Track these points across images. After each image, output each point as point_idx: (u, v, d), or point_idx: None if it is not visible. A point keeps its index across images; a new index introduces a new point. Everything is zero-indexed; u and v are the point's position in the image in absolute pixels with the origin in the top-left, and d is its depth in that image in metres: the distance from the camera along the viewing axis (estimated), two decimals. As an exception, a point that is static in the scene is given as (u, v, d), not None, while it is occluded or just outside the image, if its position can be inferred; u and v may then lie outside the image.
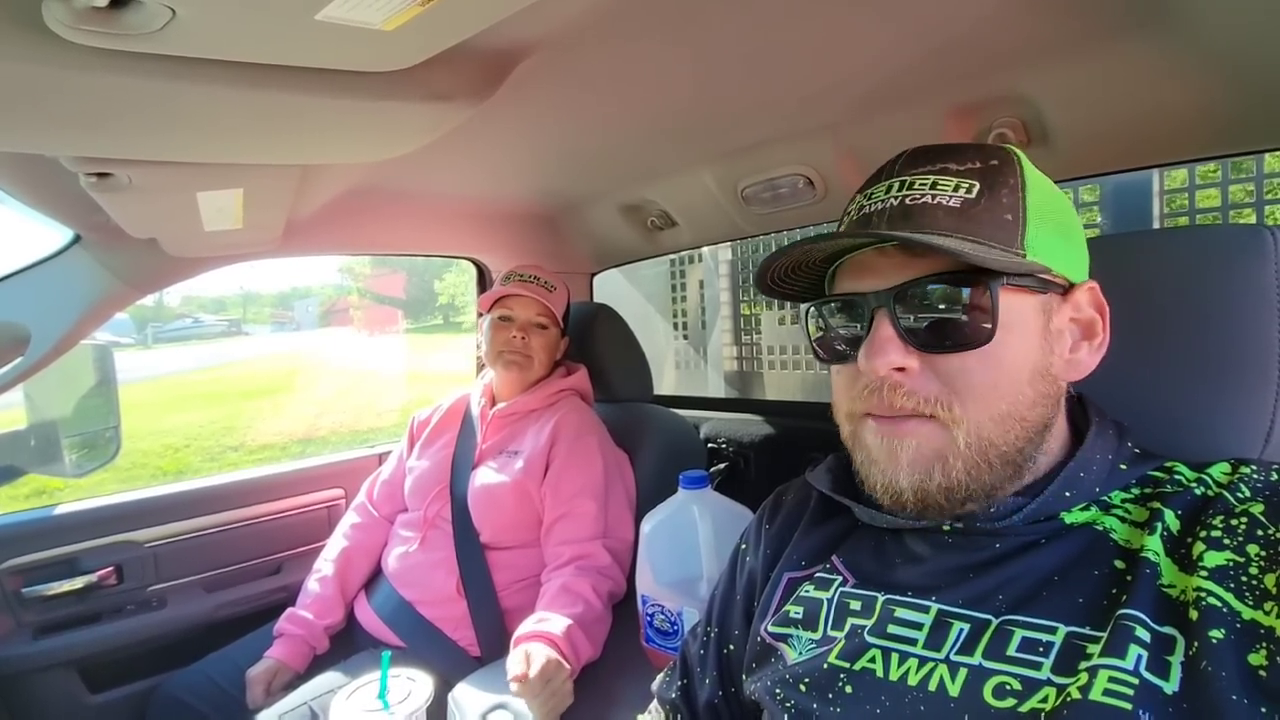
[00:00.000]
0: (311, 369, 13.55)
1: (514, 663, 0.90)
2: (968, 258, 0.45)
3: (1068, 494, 0.48)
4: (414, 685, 0.79)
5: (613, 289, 2.11)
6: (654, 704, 0.71)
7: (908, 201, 0.49)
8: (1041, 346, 0.49)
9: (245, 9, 0.46)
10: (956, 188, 0.49)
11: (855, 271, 0.52)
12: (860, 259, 0.52)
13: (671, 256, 3.35)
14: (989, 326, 0.47)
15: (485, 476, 1.22)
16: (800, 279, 0.56)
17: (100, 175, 0.76)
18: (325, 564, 1.28)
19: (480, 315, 1.36)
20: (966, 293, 0.47)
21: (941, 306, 0.48)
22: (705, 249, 3.27)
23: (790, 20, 0.72)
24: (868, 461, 0.52)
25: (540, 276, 1.32)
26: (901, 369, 0.48)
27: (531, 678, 0.87)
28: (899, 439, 0.48)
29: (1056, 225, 0.50)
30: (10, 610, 1.20)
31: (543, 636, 0.95)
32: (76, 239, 1.11)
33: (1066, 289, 0.51)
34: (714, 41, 0.76)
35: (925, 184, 0.50)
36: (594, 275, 1.86)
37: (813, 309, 0.56)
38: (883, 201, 0.51)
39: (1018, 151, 0.52)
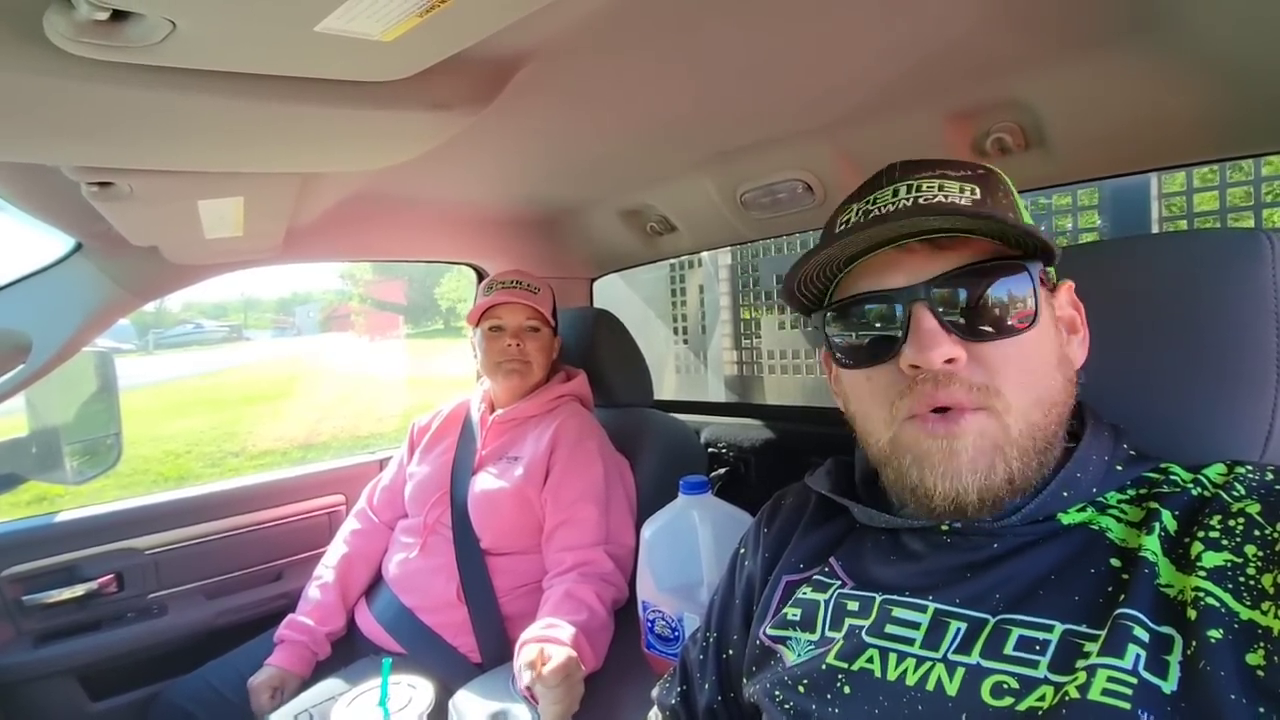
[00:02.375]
0: (312, 374, 13.57)
1: (529, 653, 0.88)
2: (1025, 232, 0.46)
3: (1065, 494, 0.49)
4: (414, 692, 0.79)
5: (613, 294, 2.11)
6: (654, 710, 0.70)
7: (921, 201, 0.50)
8: (1057, 333, 0.51)
9: (245, 21, 0.46)
10: (961, 190, 0.51)
11: (876, 271, 0.51)
12: (880, 259, 0.51)
13: (671, 261, 3.35)
14: (1033, 312, 0.48)
15: (485, 482, 1.22)
16: (810, 288, 0.56)
17: (102, 184, 0.76)
18: (326, 570, 1.28)
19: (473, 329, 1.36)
20: (1011, 280, 0.48)
21: (987, 295, 0.48)
22: (705, 254, 3.28)
23: (787, 26, 0.73)
24: (919, 465, 0.49)
25: (523, 280, 1.31)
26: (952, 360, 0.47)
27: (548, 671, 0.85)
28: (956, 437, 0.47)
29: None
30: (11, 618, 1.20)
31: (553, 641, 0.95)
32: (78, 247, 1.11)
33: (1053, 287, 0.53)
34: (711, 49, 0.77)
35: (933, 185, 0.51)
36: (594, 280, 1.87)
37: (833, 313, 0.55)
38: (892, 204, 0.51)
39: (994, 168, 0.55)
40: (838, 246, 0.50)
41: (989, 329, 0.48)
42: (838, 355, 0.55)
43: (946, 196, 0.50)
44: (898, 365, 0.49)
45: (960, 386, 0.47)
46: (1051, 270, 0.53)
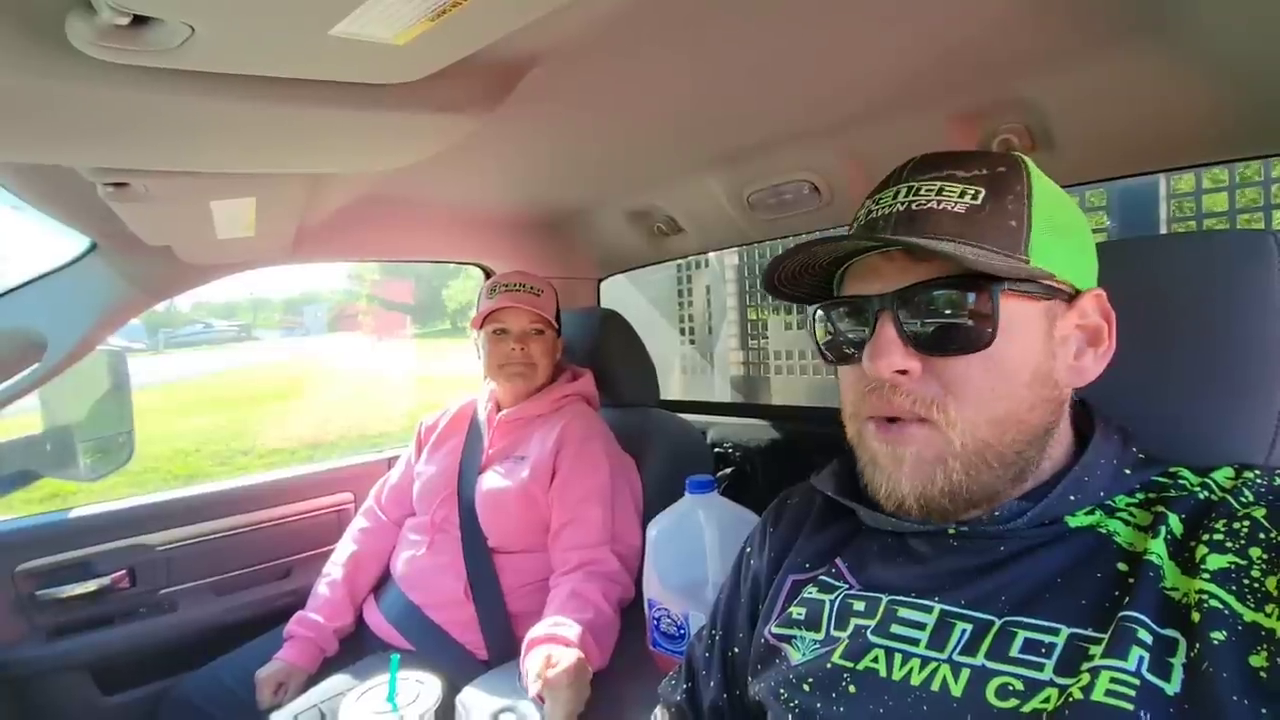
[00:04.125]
0: (320, 374, 13.64)
1: (535, 662, 0.89)
2: (967, 262, 0.46)
3: (1072, 498, 0.49)
4: (422, 688, 0.79)
5: (619, 294, 2.12)
6: (659, 708, 0.71)
7: (914, 207, 0.50)
8: (1044, 351, 0.50)
9: (262, 26, 0.47)
10: (962, 194, 0.50)
11: (861, 275, 0.53)
12: (866, 263, 0.52)
13: (678, 262, 3.36)
14: (990, 330, 0.47)
15: (492, 481, 1.23)
16: (809, 281, 0.57)
17: (118, 185, 0.77)
18: (334, 568, 1.29)
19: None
20: (968, 297, 0.48)
21: (944, 310, 0.48)
22: (711, 254, 3.28)
23: (794, 28, 0.73)
24: (872, 465, 0.53)
25: (525, 283, 1.31)
26: (904, 371, 0.49)
27: (555, 674, 0.87)
28: (900, 444, 0.50)
29: (1063, 232, 0.51)
30: (25, 613, 1.22)
31: (559, 640, 0.95)
32: (93, 246, 1.13)
33: (1072, 295, 0.51)
34: (718, 50, 0.77)
35: (931, 190, 0.50)
36: (601, 280, 1.87)
37: (820, 311, 0.57)
38: (889, 207, 0.51)
39: (1026, 159, 0.53)
40: (816, 251, 0.52)
41: (941, 344, 0.48)
42: (821, 350, 0.58)
43: (940, 203, 0.50)
44: (861, 368, 0.51)
45: (904, 398, 0.49)
46: (1065, 284, 0.50)
